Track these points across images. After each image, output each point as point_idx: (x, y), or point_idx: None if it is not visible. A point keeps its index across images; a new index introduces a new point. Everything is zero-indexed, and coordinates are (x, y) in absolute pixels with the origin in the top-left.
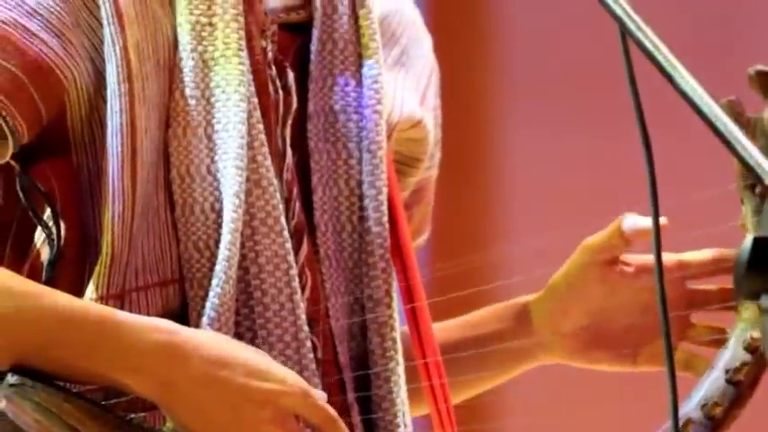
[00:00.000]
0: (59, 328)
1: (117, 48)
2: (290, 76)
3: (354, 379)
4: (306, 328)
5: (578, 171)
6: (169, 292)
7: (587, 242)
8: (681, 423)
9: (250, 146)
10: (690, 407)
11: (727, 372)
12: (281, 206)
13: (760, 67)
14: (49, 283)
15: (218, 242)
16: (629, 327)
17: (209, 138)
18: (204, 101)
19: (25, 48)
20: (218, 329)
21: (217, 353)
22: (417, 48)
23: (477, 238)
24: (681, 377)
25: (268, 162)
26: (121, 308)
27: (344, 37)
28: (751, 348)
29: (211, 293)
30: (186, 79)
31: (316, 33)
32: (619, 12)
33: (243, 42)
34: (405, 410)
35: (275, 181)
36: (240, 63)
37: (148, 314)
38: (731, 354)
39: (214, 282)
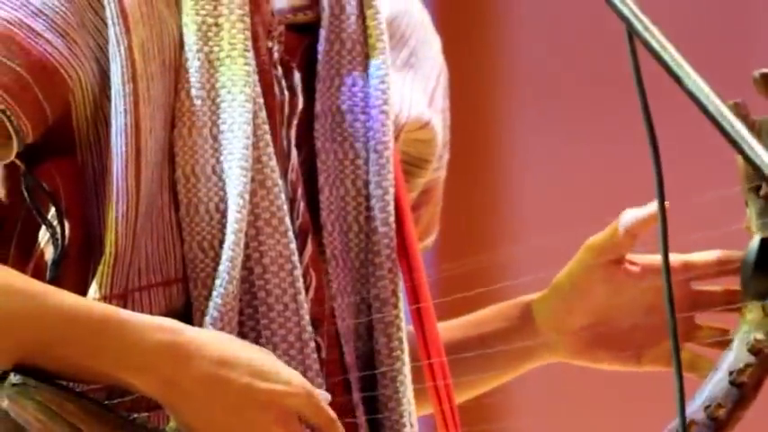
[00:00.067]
0: (64, 326)
1: (122, 48)
2: (297, 76)
3: (360, 379)
4: (309, 328)
5: (585, 172)
6: (172, 291)
7: (591, 242)
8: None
9: (255, 146)
10: (693, 408)
11: (730, 373)
12: (285, 206)
13: (765, 69)
14: (54, 282)
15: (222, 242)
16: (634, 326)
17: (215, 138)
18: (210, 101)
19: (30, 47)
20: (222, 329)
21: (221, 352)
22: (426, 49)
23: (484, 240)
24: (685, 378)
25: (273, 162)
26: (124, 307)
27: (352, 37)
28: (755, 350)
29: (215, 293)
30: (192, 79)
31: (323, 33)
32: (626, 12)
33: (249, 43)
34: (411, 410)
35: (280, 181)
36: (246, 63)
37: (151, 314)
38: (735, 355)
39: (217, 282)
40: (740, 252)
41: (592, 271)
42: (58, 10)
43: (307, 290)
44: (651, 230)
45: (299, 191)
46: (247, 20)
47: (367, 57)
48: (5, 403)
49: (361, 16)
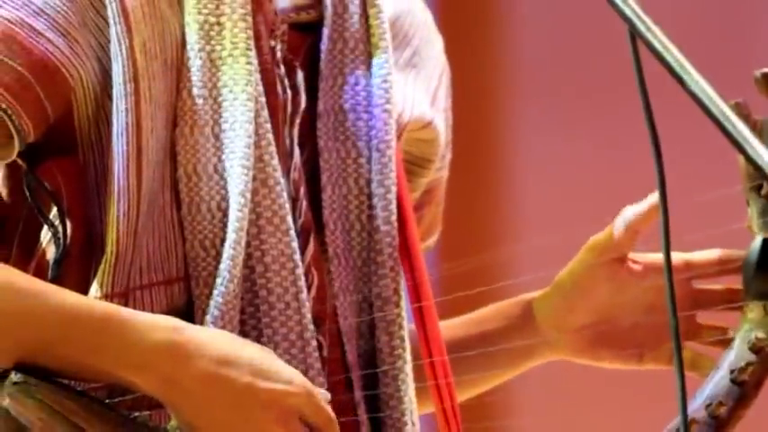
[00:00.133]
0: (65, 325)
1: (123, 47)
2: (300, 75)
3: (362, 377)
4: (311, 327)
5: (587, 172)
6: (174, 290)
7: (593, 240)
8: None
9: (257, 145)
10: (694, 407)
11: (732, 372)
12: (287, 205)
13: (766, 69)
14: (55, 281)
15: (223, 241)
16: (635, 325)
17: (217, 137)
18: (212, 100)
19: (31, 47)
20: (223, 328)
21: (222, 351)
22: (429, 49)
23: (486, 240)
24: (686, 377)
25: (275, 161)
26: (126, 306)
27: (355, 36)
28: (756, 348)
29: (216, 292)
30: (194, 78)
31: (326, 32)
32: (628, 12)
33: (251, 42)
34: (412, 409)
35: (282, 180)
36: (248, 62)
37: (153, 313)
38: (736, 354)
39: (219, 280)
40: (741, 251)
41: (594, 269)
42: (59, 9)
43: (309, 288)
44: (653, 229)
45: (302, 190)
46: (249, 19)
47: (370, 56)
48: (6, 402)
49: (364, 15)
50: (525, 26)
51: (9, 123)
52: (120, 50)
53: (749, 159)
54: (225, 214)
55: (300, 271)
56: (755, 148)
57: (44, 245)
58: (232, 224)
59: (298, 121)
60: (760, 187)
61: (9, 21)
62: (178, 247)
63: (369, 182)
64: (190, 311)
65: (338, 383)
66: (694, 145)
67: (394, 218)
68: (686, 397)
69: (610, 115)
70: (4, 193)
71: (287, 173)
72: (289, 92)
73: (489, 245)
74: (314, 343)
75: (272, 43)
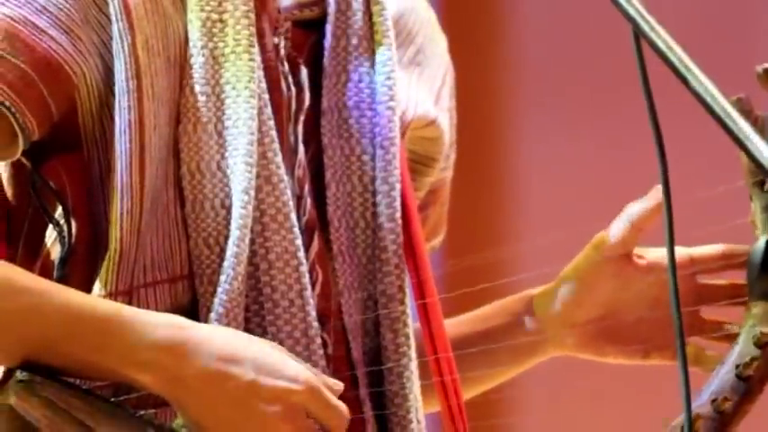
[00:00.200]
0: (69, 323)
1: (125, 44)
2: (304, 72)
3: (367, 375)
4: (316, 324)
5: (591, 171)
6: (178, 288)
7: (599, 237)
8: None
9: (260, 142)
10: (700, 402)
11: (737, 367)
12: (291, 202)
13: None
14: (61, 280)
15: (227, 238)
16: (640, 320)
17: (220, 134)
18: (214, 97)
19: (34, 44)
20: (227, 326)
21: (226, 348)
22: (433, 47)
23: (490, 239)
24: (691, 372)
25: (278, 158)
26: (129, 304)
27: (358, 33)
28: (760, 343)
29: (220, 290)
30: (196, 75)
31: (330, 29)
32: (632, 12)
33: (254, 39)
34: (418, 406)
35: (286, 177)
36: (251, 59)
37: (157, 311)
38: (741, 349)
39: (222, 278)
40: (745, 246)
41: (599, 265)
42: (61, 7)
43: (313, 286)
44: (658, 225)
45: (306, 187)
46: (252, 16)
47: (373, 53)
48: (12, 400)
49: (368, 12)
50: (528, 25)
51: (13, 120)
52: (123, 47)
53: (754, 160)
54: (228, 211)
55: (305, 268)
56: (760, 148)
57: (48, 246)
58: (236, 221)
59: (302, 118)
60: (763, 182)
61: (12, 18)
62: (182, 245)
63: (373, 179)
64: (194, 309)
65: (343, 381)
66: (697, 144)
67: (398, 215)
68: (690, 393)
69: (613, 114)
70: (10, 194)
71: (291, 170)
72: (293, 89)
73: (493, 244)
74: (318, 340)
75: (276, 40)
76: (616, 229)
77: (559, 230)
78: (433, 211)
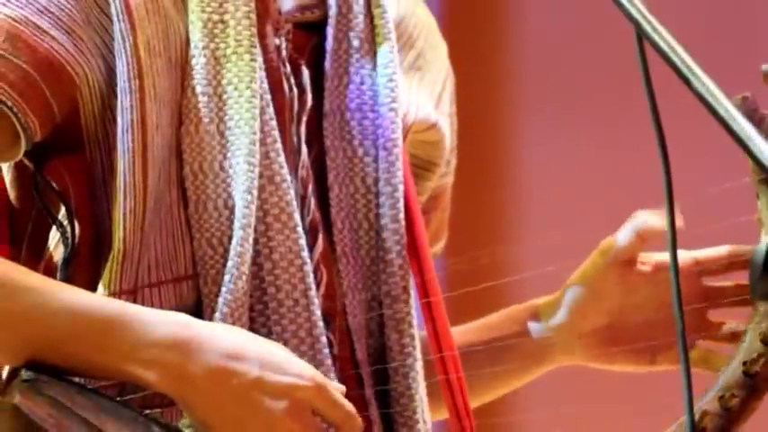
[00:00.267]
0: (73, 323)
1: (127, 44)
2: (306, 73)
3: (372, 375)
4: (320, 324)
5: (593, 173)
6: (182, 288)
7: (605, 243)
8: (698, 416)
9: (263, 142)
10: (707, 399)
11: (744, 363)
12: (294, 203)
13: None
14: (65, 281)
15: (231, 238)
16: (647, 325)
17: (222, 134)
18: (216, 97)
19: (36, 45)
20: (232, 325)
21: (230, 345)
22: (433, 52)
23: (492, 241)
24: (698, 374)
25: (281, 158)
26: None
27: (360, 36)
28: (767, 340)
29: (224, 290)
30: (198, 76)
31: (331, 32)
32: (635, 13)
33: (255, 39)
34: (423, 406)
35: (289, 177)
36: (252, 60)
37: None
38: (748, 346)
39: (227, 278)
40: (751, 247)
41: (605, 272)
42: (63, 7)
43: (318, 286)
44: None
45: (310, 187)
46: (253, 17)
47: (375, 55)
48: (17, 399)
49: (369, 15)
50: (530, 29)
51: (15, 121)
52: (124, 48)
53: (756, 160)
54: (232, 212)
55: (309, 268)
56: (761, 147)
57: (51, 248)
58: (239, 221)
59: (304, 119)
60: None
61: (13, 19)
62: (186, 246)
63: (376, 181)
64: (199, 309)
65: (349, 381)
66: (700, 145)
67: (401, 216)
68: (692, 395)
69: (615, 116)
70: (13, 196)
71: (294, 170)
72: (295, 90)
73: (495, 246)
74: (323, 339)
75: (278, 42)
76: (623, 236)
77: (561, 232)
78: (434, 216)
